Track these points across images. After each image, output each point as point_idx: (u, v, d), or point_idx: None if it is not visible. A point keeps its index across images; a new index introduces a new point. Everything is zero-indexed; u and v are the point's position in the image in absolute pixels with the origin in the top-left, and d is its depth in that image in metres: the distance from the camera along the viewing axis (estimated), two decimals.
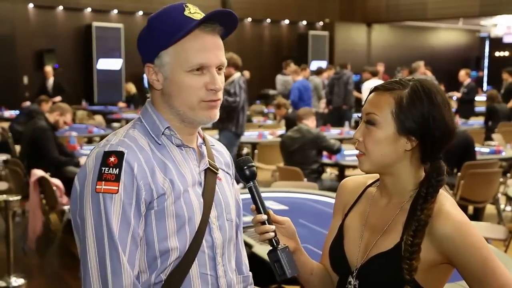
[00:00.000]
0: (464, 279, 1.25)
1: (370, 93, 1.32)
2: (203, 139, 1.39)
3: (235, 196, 1.44)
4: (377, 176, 1.39)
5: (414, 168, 1.29)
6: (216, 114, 1.29)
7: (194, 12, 1.26)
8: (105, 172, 1.19)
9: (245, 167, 1.32)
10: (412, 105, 1.25)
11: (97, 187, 1.18)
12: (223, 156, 1.45)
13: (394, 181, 1.31)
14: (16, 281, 4.19)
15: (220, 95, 1.28)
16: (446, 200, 1.27)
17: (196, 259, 1.25)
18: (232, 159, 1.48)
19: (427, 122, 1.24)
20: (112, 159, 1.20)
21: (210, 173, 1.33)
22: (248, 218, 1.69)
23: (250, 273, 1.46)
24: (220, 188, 1.36)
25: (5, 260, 4.24)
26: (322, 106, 9.48)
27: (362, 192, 1.41)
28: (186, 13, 1.25)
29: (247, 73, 11.23)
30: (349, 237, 1.36)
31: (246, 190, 1.37)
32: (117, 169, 1.19)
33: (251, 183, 1.33)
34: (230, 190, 1.40)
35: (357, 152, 1.32)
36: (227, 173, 1.43)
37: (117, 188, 1.18)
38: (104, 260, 1.15)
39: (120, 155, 1.20)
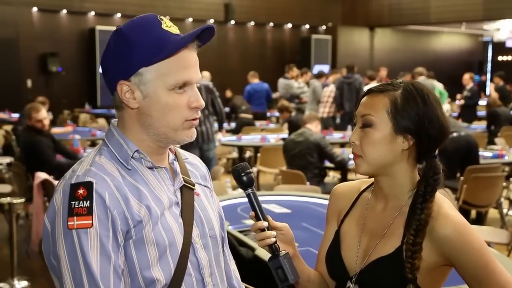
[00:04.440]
0: (465, 280, 1.26)
1: (362, 96, 1.34)
2: (175, 154, 1.32)
3: (217, 208, 1.38)
4: (370, 180, 1.40)
5: (411, 168, 1.31)
6: (195, 133, 1.25)
7: (171, 26, 1.21)
8: (76, 206, 1.11)
9: (243, 174, 1.29)
10: (407, 104, 1.27)
11: (69, 223, 1.11)
12: (198, 169, 1.39)
13: (391, 183, 1.31)
14: (19, 283, 4.21)
15: (200, 112, 1.24)
16: (444, 202, 1.29)
17: (183, 283, 1.20)
18: (208, 170, 1.43)
19: (422, 120, 1.26)
20: (80, 191, 1.12)
21: (187, 190, 1.27)
22: (251, 221, 1.70)
23: (243, 286, 1.42)
24: (199, 204, 1.30)
25: (8, 263, 4.25)
26: (324, 110, 9.37)
27: (357, 198, 1.41)
28: (164, 26, 1.19)
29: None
30: (347, 243, 1.36)
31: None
32: (88, 201, 1.12)
33: (249, 189, 1.30)
34: (210, 204, 1.34)
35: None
36: (205, 186, 1.37)
37: (90, 222, 1.11)
38: None
39: (88, 185, 1.13)
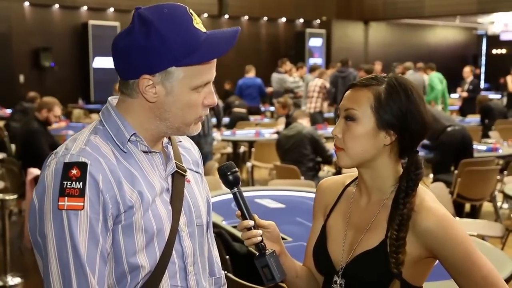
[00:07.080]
0: (448, 272, 1.27)
1: (346, 89, 1.34)
2: (169, 137, 1.30)
3: (205, 195, 1.37)
4: (355, 175, 1.40)
5: (393, 163, 1.31)
6: (200, 126, 1.25)
7: (199, 23, 1.18)
8: (68, 186, 1.09)
9: (229, 173, 1.29)
10: (390, 100, 1.27)
11: (59, 203, 1.08)
12: (190, 153, 1.37)
13: (373, 176, 1.32)
14: (12, 280, 4.19)
15: None
16: (426, 194, 1.29)
17: (166, 270, 1.20)
18: (201, 155, 1.42)
19: (405, 116, 1.26)
20: (74, 171, 1.10)
21: (178, 176, 1.26)
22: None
23: (223, 273, 1.42)
24: (189, 191, 1.29)
25: (1, 259, 4.24)
26: (310, 106, 9.26)
27: (341, 192, 1.41)
28: (195, 24, 1.17)
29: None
30: (332, 237, 1.37)
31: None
32: (81, 183, 1.09)
33: (235, 189, 1.30)
34: (199, 191, 1.34)
35: None
36: (196, 172, 1.36)
37: (82, 204, 1.09)
38: (70, 282, 1.07)
39: (82, 166, 1.10)
